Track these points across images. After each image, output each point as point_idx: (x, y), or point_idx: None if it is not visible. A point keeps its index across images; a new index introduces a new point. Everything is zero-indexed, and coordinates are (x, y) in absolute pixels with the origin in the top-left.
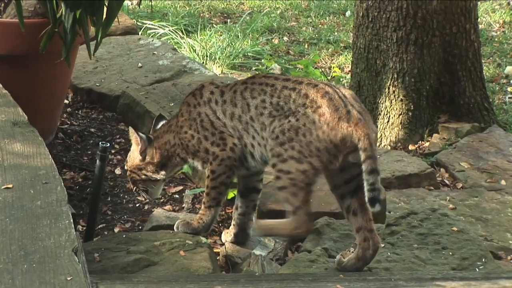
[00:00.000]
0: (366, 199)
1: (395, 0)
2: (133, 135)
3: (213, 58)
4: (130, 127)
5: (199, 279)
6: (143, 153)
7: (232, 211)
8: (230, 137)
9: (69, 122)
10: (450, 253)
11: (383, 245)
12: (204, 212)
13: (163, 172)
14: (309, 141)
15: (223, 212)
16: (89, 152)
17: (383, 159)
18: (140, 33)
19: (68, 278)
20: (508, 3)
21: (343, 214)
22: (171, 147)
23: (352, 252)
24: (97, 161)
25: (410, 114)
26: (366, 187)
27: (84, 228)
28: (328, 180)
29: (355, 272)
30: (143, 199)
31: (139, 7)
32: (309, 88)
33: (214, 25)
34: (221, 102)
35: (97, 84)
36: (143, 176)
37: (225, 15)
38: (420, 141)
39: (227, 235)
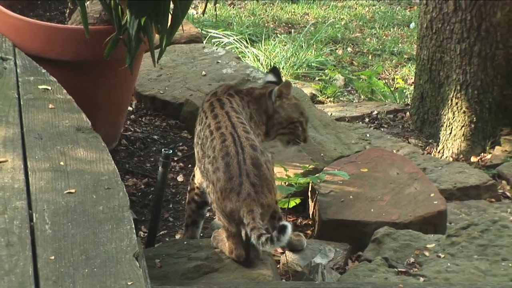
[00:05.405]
0: None
1: (459, 12)
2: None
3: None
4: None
5: (259, 286)
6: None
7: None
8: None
9: (132, 129)
10: (510, 265)
11: (443, 255)
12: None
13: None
14: (214, 198)
15: None
16: (152, 159)
17: (444, 171)
18: (204, 41)
19: (129, 283)
20: None
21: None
22: None
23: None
24: (160, 167)
25: (472, 126)
26: None
27: (146, 234)
28: None
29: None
30: None
31: (203, 15)
32: (218, 140)
33: (279, 35)
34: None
35: (161, 92)
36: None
37: (289, 25)
38: (482, 153)
39: None
